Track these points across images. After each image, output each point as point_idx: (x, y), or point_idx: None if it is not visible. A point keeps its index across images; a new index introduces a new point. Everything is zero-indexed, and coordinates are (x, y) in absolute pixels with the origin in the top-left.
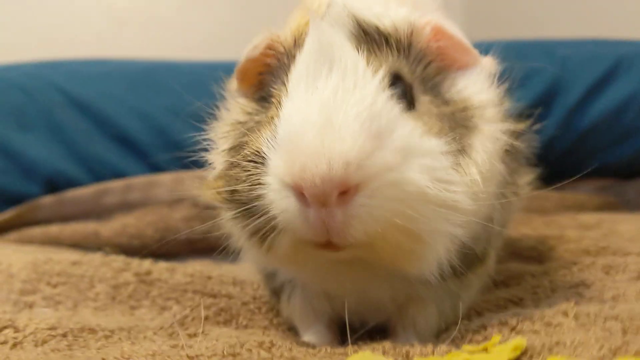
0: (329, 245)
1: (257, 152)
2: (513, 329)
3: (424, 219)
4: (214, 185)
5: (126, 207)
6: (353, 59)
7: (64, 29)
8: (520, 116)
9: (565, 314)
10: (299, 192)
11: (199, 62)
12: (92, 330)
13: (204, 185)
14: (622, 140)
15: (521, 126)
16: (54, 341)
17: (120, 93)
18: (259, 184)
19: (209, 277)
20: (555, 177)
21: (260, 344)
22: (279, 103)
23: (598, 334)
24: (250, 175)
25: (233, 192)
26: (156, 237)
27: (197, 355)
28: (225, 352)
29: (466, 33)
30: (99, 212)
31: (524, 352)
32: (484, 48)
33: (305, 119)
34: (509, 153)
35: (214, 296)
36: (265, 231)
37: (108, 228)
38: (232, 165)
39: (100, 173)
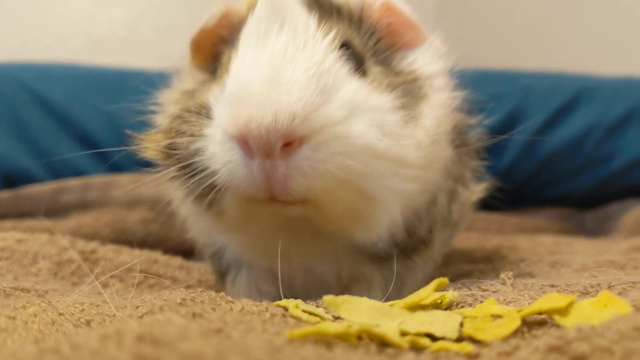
0: (273, 200)
1: (203, 104)
2: None
3: (374, 174)
4: (153, 139)
5: (83, 206)
6: (304, 19)
7: (40, 48)
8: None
9: (503, 282)
10: (244, 143)
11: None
12: (25, 290)
13: (144, 138)
14: (582, 170)
15: (471, 120)
16: None
17: (88, 95)
18: (200, 136)
19: (156, 261)
20: (515, 203)
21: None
22: (229, 61)
23: (532, 295)
24: (191, 126)
25: (173, 146)
26: (112, 237)
27: (124, 306)
28: (156, 304)
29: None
30: (56, 210)
31: (456, 304)
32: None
33: (254, 72)
34: (457, 139)
35: (159, 276)
36: (208, 191)
37: (63, 226)
38: (174, 118)
39: (60, 172)
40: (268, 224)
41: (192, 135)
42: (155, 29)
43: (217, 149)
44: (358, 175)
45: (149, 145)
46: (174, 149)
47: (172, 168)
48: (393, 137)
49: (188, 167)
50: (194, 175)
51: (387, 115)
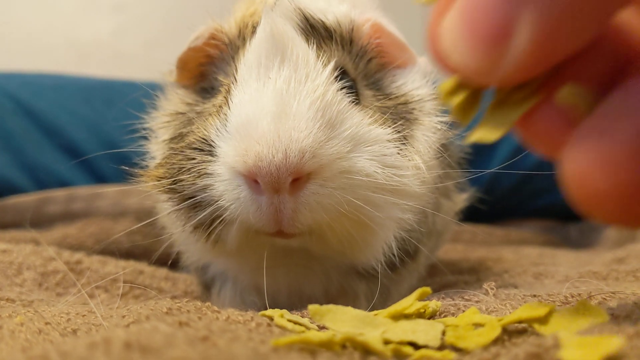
0: (279, 233)
1: (204, 140)
2: None
3: (374, 206)
4: (155, 174)
5: (69, 217)
6: (304, 51)
7: (26, 58)
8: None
9: (486, 292)
10: (252, 180)
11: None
12: (11, 300)
13: (145, 173)
14: None
15: (451, 134)
16: None
17: (74, 105)
18: (205, 173)
19: (141, 272)
20: (500, 215)
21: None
22: (228, 92)
23: (514, 304)
24: (195, 164)
25: (175, 181)
26: (96, 249)
27: (110, 316)
28: (142, 314)
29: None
30: (40, 220)
31: (439, 313)
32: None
33: (259, 108)
34: (440, 153)
35: (145, 287)
36: (211, 224)
37: (47, 237)
38: (175, 153)
39: (46, 183)
40: (263, 251)
41: (196, 172)
42: (141, 40)
43: (225, 187)
44: (359, 209)
45: (151, 182)
46: (178, 185)
47: (176, 204)
48: (393, 169)
49: (191, 200)
50: (198, 210)
51: (387, 147)
